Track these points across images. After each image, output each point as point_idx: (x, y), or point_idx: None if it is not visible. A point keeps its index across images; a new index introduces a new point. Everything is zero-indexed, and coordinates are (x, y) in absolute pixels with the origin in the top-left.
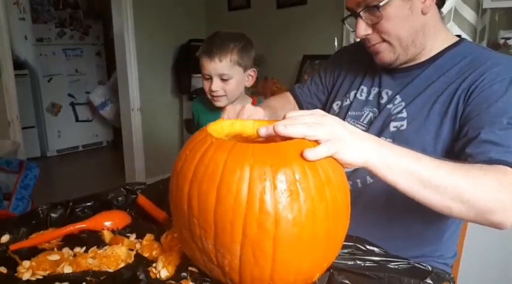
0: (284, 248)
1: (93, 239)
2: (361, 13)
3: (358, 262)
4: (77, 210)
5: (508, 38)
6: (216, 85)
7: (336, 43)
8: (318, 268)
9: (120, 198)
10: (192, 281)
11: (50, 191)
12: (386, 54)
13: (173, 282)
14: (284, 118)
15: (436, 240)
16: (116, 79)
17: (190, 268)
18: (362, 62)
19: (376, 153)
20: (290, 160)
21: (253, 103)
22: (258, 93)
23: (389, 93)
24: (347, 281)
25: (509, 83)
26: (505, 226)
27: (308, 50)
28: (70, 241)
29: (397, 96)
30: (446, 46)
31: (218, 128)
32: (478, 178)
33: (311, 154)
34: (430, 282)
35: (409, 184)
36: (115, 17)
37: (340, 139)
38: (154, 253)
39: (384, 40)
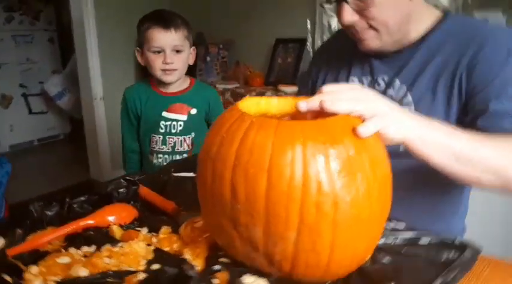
0: (343, 232)
1: (101, 237)
2: None
3: (389, 240)
4: (74, 206)
5: (485, 19)
6: (171, 57)
7: (308, 26)
8: (371, 248)
9: (121, 190)
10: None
11: (7, 190)
12: (372, 41)
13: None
14: (320, 92)
15: (451, 216)
16: (74, 68)
17: (221, 260)
18: (343, 54)
19: (416, 128)
20: (341, 137)
21: (191, 83)
22: (228, 77)
23: (386, 78)
24: (386, 260)
25: (507, 54)
26: None
27: (280, 34)
28: (73, 240)
29: (396, 80)
30: (432, 24)
31: (245, 107)
32: (504, 148)
33: (364, 130)
34: (469, 254)
35: (443, 158)
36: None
37: (384, 115)
38: (175, 246)
39: (370, 26)
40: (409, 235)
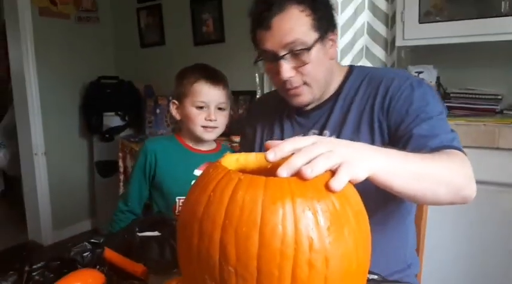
0: None
1: None
2: (286, 56)
3: None
4: (33, 274)
5: (420, 72)
6: (215, 114)
7: (257, 79)
8: None
9: (85, 254)
10: None
11: None
12: (306, 96)
13: None
14: (269, 148)
15: (402, 249)
16: (9, 121)
17: None
18: (274, 113)
19: (378, 161)
20: (326, 192)
21: (218, 145)
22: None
23: (316, 132)
24: None
25: (411, 87)
26: (471, 198)
27: (231, 86)
28: None
29: (325, 132)
30: (343, 77)
31: (227, 163)
32: (447, 162)
33: (338, 184)
34: None
35: (405, 181)
36: (12, 51)
37: (350, 160)
38: None
39: (304, 82)
40: None
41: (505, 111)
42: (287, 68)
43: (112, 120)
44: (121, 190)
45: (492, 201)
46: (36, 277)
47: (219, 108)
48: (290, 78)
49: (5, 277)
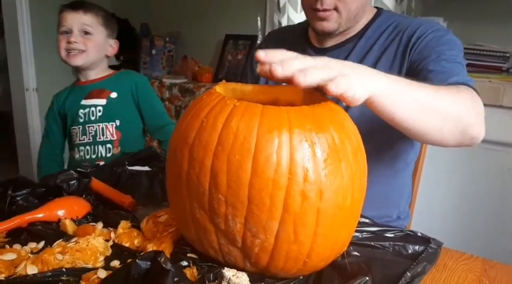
0: (326, 221)
1: (51, 232)
2: None
3: (356, 233)
4: (18, 199)
5: None
6: (77, 37)
7: (259, 23)
8: (348, 239)
9: (71, 182)
10: (197, 268)
11: None
12: (331, 23)
13: None
14: (258, 58)
15: (399, 198)
16: (0, 54)
17: (188, 255)
18: (286, 45)
19: (379, 82)
20: (327, 124)
21: (113, 73)
22: (175, 72)
23: None
24: (356, 253)
25: (438, 32)
26: (479, 139)
27: (230, 29)
28: (18, 236)
29: None
30: (370, 17)
31: (222, 92)
32: (456, 96)
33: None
34: (434, 247)
35: (408, 108)
36: None
37: (347, 75)
38: (136, 241)
39: (335, 8)
40: (374, 228)
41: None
42: None
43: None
44: None
45: (490, 159)
46: (20, 202)
47: (86, 33)
48: None
49: None
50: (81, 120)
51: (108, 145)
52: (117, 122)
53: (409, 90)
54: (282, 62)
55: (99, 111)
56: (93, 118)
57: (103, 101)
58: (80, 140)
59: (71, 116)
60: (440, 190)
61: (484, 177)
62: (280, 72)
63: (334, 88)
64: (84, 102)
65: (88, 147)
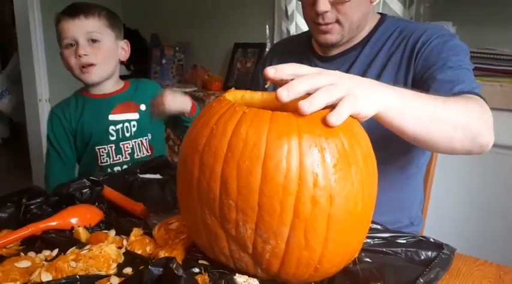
0: (337, 226)
1: (65, 240)
2: None
3: (368, 239)
4: (32, 207)
5: None
6: (85, 48)
7: (267, 31)
8: (360, 245)
9: (84, 191)
10: (208, 275)
11: None
12: (334, 35)
13: None
14: (267, 75)
15: (411, 204)
16: (15, 67)
17: (200, 262)
18: (291, 56)
19: (387, 98)
20: (336, 130)
21: (127, 83)
22: (185, 81)
23: None
24: (368, 259)
25: (444, 37)
26: (488, 147)
27: (239, 38)
28: (32, 244)
29: None
30: (374, 24)
31: (232, 99)
32: (465, 106)
33: (334, 118)
34: (447, 252)
35: (418, 121)
36: None
37: (354, 94)
38: (148, 249)
39: (337, 20)
40: (386, 234)
41: None
42: (325, 0)
43: None
44: None
45: (502, 163)
46: (34, 210)
47: (93, 41)
48: (325, 13)
49: (3, 209)
50: (113, 138)
51: None
52: (149, 136)
53: (416, 103)
54: (288, 86)
55: (134, 126)
56: (127, 134)
57: (135, 115)
58: (114, 160)
59: (97, 134)
60: (453, 195)
61: (496, 181)
62: (285, 97)
63: (335, 116)
64: (112, 117)
65: (126, 167)
